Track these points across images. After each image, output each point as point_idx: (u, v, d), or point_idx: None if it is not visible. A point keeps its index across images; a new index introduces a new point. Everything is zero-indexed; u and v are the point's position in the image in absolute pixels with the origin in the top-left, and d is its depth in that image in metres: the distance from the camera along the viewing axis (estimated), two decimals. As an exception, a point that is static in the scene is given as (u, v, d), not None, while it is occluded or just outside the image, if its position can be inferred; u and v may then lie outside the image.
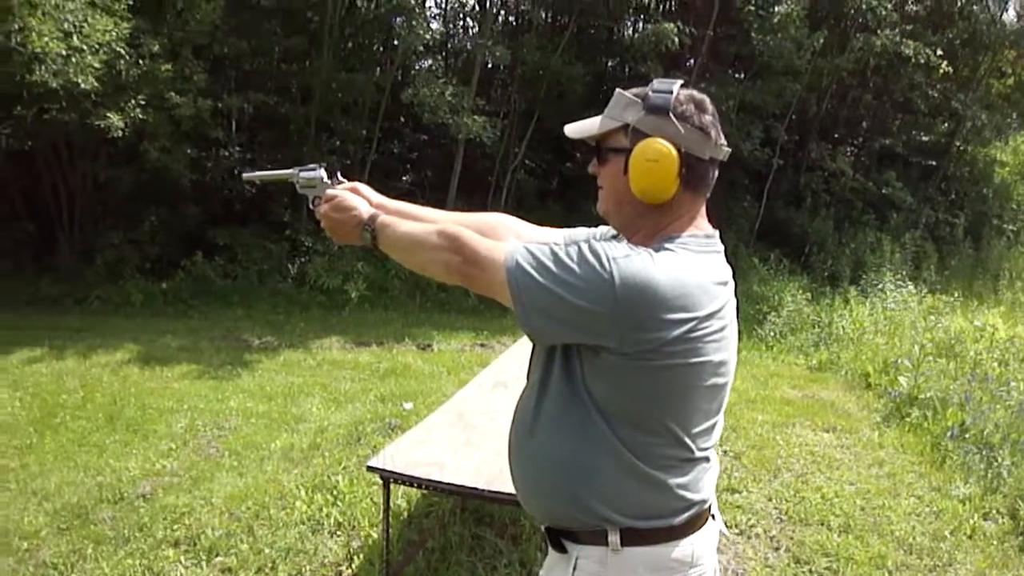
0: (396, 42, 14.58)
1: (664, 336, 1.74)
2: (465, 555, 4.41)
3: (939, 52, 15.62)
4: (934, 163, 19.62)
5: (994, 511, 5.64)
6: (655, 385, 1.81)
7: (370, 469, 3.41)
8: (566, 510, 1.94)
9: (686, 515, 1.94)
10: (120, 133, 10.71)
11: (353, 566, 4.38)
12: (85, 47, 9.87)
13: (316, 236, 13.75)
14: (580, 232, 2.34)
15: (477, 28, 17.07)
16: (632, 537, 1.90)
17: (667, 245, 1.87)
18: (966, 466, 6.39)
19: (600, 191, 2.04)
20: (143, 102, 11.11)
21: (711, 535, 2.04)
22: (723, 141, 1.97)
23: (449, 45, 16.94)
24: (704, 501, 1.99)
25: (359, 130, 14.90)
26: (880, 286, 13.15)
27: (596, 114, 2.01)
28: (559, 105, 15.70)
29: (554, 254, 1.80)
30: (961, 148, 19.92)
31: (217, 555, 4.49)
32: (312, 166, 2.43)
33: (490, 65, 15.64)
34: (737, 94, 15.42)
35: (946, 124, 19.62)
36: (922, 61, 15.19)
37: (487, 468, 3.43)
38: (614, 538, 1.89)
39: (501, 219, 2.36)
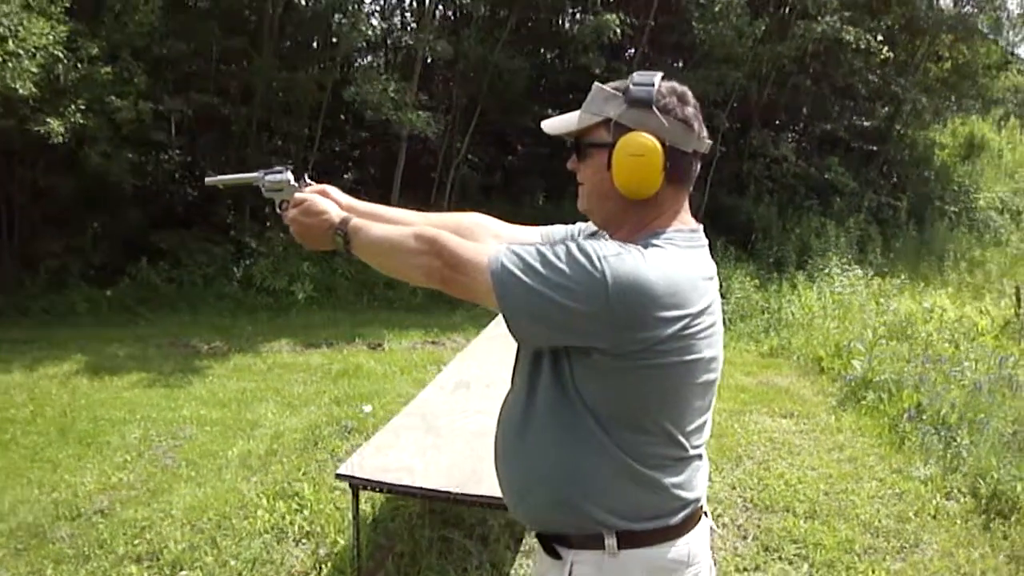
0: (335, 39, 14.45)
1: (658, 335, 1.72)
2: (435, 558, 4.36)
3: (879, 38, 15.79)
4: (875, 147, 19.80)
5: (955, 491, 5.71)
6: (649, 384, 1.79)
7: (339, 477, 3.35)
8: (560, 515, 1.91)
9: (682, 514, 1.92)
10: (61, 139, 10.48)
11: (322, 575, 4.32)
12: (22, 51, 9.60)
13: (260, 238, 13.61)
14: (558, 230, 2.31)
15: (415, 23, 16.94)
16: (629, 540, 1.87)
17: (654, 241, 1.84)
18: (924, 447, 6.46)
19: (580, 188, 1.99)
20: (83, 107, 10.86)
21: (705, 533, 2.03)
22: (705, 133, 1.95)
23: (388, 41, 16.80)
24: (698, 499, 1.98)
25: (301, 129, 14.76)
26: (827, 270, 13.28)
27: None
28: (501, 98, 15.66)
29: (541, 255, 1.75)
30: (901, 132, 20.16)
31: (181, 569, 4.40)
32: (278, 168, 2.33)
33: (430, 60, 15.55)
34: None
35: (886, 108, 19.83)
36: (862, 47, 15.34)
37: (457, 471, 3.39)
38: (611, 541, 1.86)
39: (477, 219, 2.31)
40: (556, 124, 2.01)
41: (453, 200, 15.45)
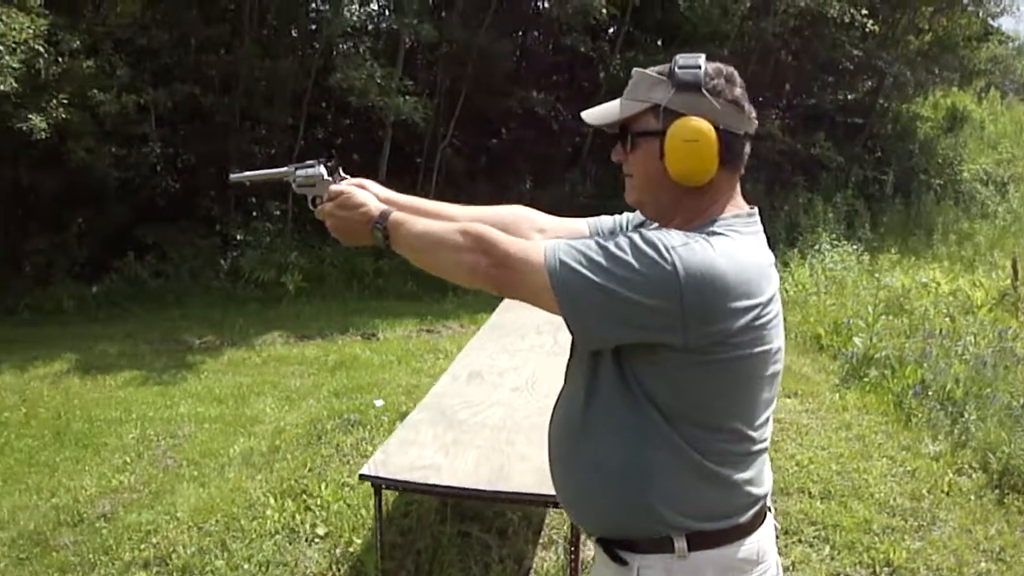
0: (313, 27, 14.27)
1: (730, 326, 1.65)
2: (456, 555, 4.27)
3: (864, 12, 15.74)
4: (860, 121, 19.72)
5: (966, 466, 5.71)
6: (719, 379, 1.71)
7: (363, 478, 3.24)
8: (628, 518, 1.82)
9: (751, 511, 1.85)
10: (44, 135, 10.28)
11: (341, 575, 4.22)
12: (2, 47, 9.42)
13: (246, 229, 13.45)
14: (606, 220, 2.21)
15: (392, 6, 16.72)
16: (699, 541, 1.79)
17: (715, 229, 1.76)
18: (932, 423, 6.44)
19: (628, 180, 1.90)
20: (65, 101, 10.65)
21: (771, 529, 1.95)
22: (754, 114, 1.86)
23: (370, 26, 16.61)
24: (766, 495, 1.91)
25: (284, 118, 14.58)
26: (817, 247, 13.23)
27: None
28: (485, 81, 15.53)
29: (602, 248, 1.66)
30: (884, 105, 20.08)
31: (191, 574, 4.28)
32: (310, 162, 2.23)
33: (410, 44, 15.37)
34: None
35: (869, 82, 19.76)
36: (847, 20, 15.29)
37: (484, 467, 3.29)
38: (681, 544, 1.78)
39: (520, 212, 2.22)
40: (597, 114, 1.92)
41: (439, 185, 15.31)
